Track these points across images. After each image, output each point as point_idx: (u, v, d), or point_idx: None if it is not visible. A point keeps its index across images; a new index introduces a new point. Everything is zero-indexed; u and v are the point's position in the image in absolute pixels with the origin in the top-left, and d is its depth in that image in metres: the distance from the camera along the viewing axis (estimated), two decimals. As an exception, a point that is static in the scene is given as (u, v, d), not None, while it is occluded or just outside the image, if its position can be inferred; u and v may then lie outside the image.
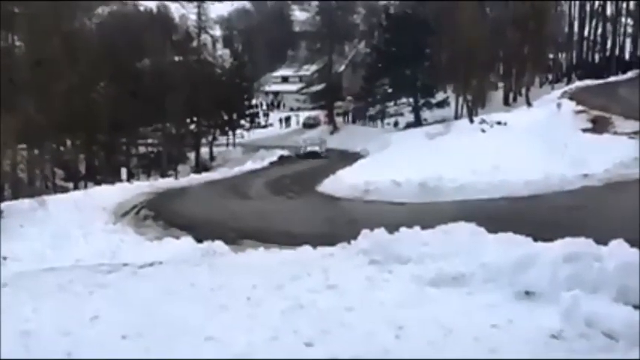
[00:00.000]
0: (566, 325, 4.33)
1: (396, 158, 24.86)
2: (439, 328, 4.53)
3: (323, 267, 6.24)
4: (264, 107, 67.24)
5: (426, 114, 43.84)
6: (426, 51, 43.12)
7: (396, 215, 13.77)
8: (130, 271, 7.54)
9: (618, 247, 5.35)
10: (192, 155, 45.16)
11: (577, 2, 55.27)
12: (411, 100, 44.32)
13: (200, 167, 41.48)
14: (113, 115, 34.91)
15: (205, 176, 31.74)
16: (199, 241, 11.79)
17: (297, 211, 17.82)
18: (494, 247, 6.03)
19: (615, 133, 23.23)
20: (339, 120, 52.72)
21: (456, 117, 40.40)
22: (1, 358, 3.89)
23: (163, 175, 34.84)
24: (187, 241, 12.13)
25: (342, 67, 56.09)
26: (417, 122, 42.87)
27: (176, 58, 43.00)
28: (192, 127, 44.93)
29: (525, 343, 4.14)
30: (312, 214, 16.62)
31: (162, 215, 17.55)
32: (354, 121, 52.53)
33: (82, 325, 5.39)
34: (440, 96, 44.87)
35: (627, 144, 21.06)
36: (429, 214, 12.76)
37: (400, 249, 6.78)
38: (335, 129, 50.92)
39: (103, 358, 4.51)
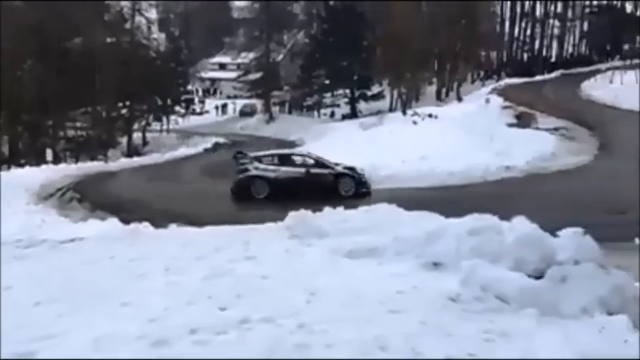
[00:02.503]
0: (464, 289, 4.67)
1: (330, 147, 25.12)
2: (349, 294, 4.78)
3: (244, 240, 6.39)
4: (200, 94, 66.27)
5: (361, 106, 44.56)
6: (363, 43, 43.74)
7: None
8: (48, 245, 7.44)
9: (519, 222, 5.76)
10: (124, 140, 44.05)
11: (508, 2, 57.49)
12: (347, 91, 44.92)
13: (132, 152, 40.52)
14: (39, 96, 33.58)
15: (137, 161, 31.26)
16: (127, 223, 11.64)
17: (228, 197, 17.81)
18: (409, 223, 6.34)
19: (537, 128, 24.50)
20: (275, 109, 52.70)
21: (391, 110, 41.26)
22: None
23: (93, 160, 33.82)
24: (113, 222, 11.94)
25: (281, 57, 55.91)
26: (353, 113, 43.51)
27: (108, 39, 41.73)
28: (124, 111, 43.82)
29: (425, 305, 4.45)
30: (244, 199, 16.64)
31: (89, 198, 17.19)
32: (290, 111, 52.64)
33: (-6, 294, 5.31)
34: (376, 89, 45.68)
35: (547, 139, 22.29)
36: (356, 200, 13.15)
37: (321, 225, 7.01)
38: (271, 118, 50.87)
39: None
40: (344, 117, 43.42)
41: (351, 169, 15.86)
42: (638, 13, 57.92)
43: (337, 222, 7.13)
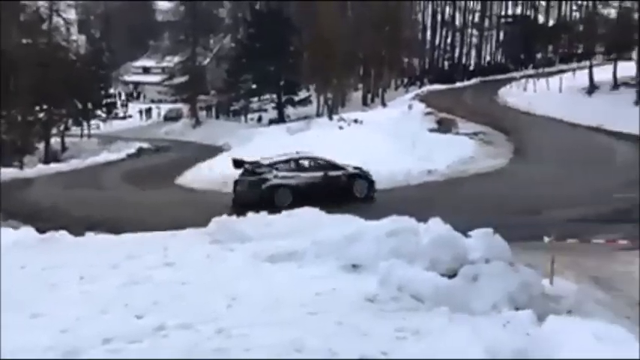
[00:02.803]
0: (381, 290, 4.80)
1: (257, 152, 25.06)
2: (270, 298, 4.80)
3: (164, 246, 6.28)
4: (123, 98, 64.38)
5: (289, 111, 44.65)
6: (290, 48, 43.90)
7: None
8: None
9: (434, 223, 5.97)
10: (41, 145, 42.15)
11: (429, 10, 59.55)
12: (274, 96, 44.92)
13: (50, 158, 38.79)
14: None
15: (54, 167, 30.01)
16: (42, 232, 11.12)
17: (152, 204, 17.37)
18: (329, 226, 6.43)
19: (457, 133, 25.40)
20: (202, 114, 51.93)
21: (318, 115, 41.54)
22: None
23: (6, 166, 32.15)
24: (26, 230, 11.38)
25: (207, 61, 55.12)
26: (280, 118, 43.52)
27: (24, 40, 39.85)
28: (42, 115, 41.94)
29: (343, 306, 4.53)
30: (167, 206, 16.31)
31: (1, 206, 16.32)
32: (217, 116, 52.00)
33: None
34: (303, 94, 45.92)
35: (467, 143, 23.15)
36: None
37: (244, 230, 6.99)
38: (198, 123, 50.06)
39: None
40: (271, 122, 43.34)
41: (360, 169, 15.28)
42: (549, 24, 61.36)
43: (260, 226, 7.13)
